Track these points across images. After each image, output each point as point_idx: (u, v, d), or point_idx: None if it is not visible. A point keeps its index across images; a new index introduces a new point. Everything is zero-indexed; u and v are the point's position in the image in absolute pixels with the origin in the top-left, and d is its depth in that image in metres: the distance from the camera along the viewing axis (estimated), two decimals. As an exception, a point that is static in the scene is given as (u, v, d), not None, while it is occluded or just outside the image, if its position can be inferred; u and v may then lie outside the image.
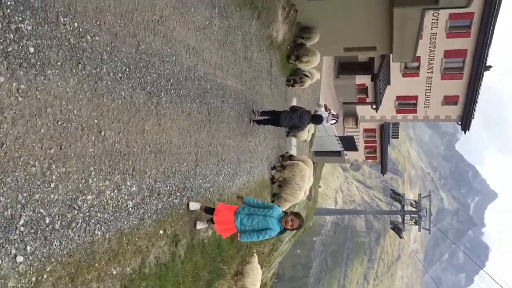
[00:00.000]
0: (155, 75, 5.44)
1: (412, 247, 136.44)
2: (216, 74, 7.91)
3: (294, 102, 16.24)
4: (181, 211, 6.38)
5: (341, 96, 29.29)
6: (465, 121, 29.89)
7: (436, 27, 25.98)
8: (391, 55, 24.46)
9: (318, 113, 17.79)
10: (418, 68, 28.53)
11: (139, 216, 5.11)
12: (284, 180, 13.30)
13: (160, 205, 5.70)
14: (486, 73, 27.54)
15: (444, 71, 28.07)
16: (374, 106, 28.67)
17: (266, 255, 16.61)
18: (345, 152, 32.57)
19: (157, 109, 5.53)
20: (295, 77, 15.82)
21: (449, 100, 29.57)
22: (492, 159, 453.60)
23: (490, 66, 28.12)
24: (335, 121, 17.06)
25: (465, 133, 31.00)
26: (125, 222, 4.80)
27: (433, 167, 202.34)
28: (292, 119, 10.79)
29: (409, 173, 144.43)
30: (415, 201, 41.35)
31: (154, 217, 5.52)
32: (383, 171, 36.17)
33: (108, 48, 4.36)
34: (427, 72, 28.57)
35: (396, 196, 43.08)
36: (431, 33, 26.25)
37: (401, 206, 41.00)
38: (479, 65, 26.61)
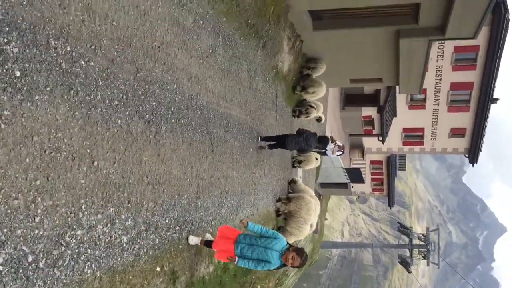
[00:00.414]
0: (154, 103, 5.22)
1: (421, 282, 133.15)
2: (220, 103, 7.71)
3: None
4: (180, 246, 6.04)
5: (347, 128, 29.13)
6: (473, 154, 29.53)
7: (442, 59, 26.02)
8: (397, 87, 24.45)
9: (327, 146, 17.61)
10: (424, 100, 28.44)
11: (134, 252, 4.77)
12: (290, 213, 12.90)
13: (157, 240, 5.36)
14: (492, 106, 27.39)
15: (451, 104, 27.96)
16: (380, 138, 28.45)
17: (271, 291, 16.02)
18: (352, 184, 32.14)
19: (156, 138, 5.28)
20: (300, 108, 15.66)
21: (456, 133, 29.33)
22: (500, 192, 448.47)
23: (497, 99, 27.98)
24: (341, 152, 16.92)
25: (472, 165, 30.58)
26: (119, 259, 4.47)
27: (441, 200, 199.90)
28: (298, 143, 10.86)
29: (416, 206, 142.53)
30: (423, 234, 40.61)
31: (150, 253, 5.18)
32: (390, 203, 35.56)
33: (104, 74, 4.14)
34: (434, 104, 28.46)
35: (404, 230, 42.34)
36: (437, 66, 26.27)
37: (409, 240, 40.28)
38: (486, 98, 26.46)
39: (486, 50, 24.62)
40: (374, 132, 29.66)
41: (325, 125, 21.90)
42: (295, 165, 15.23)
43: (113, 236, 4.36)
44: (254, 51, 9.98)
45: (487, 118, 27.74)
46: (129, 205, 4.64)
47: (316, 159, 16.32)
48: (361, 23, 13.11)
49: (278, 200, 13.13)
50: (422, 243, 39.72)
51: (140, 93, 4.84)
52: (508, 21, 22.96)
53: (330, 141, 17.81)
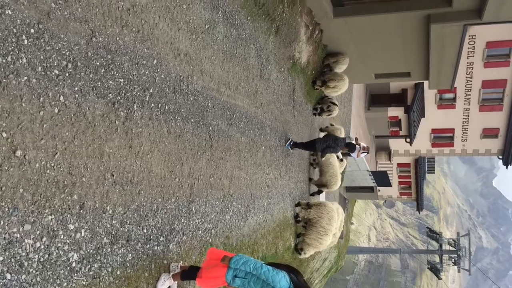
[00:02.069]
0: (122, 80, 4.09)
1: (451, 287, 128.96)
2: (221, 90, 6.55)
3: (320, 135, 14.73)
4: (165, 262, 4.87)
5: (373, 129, 27.71)
6: (507, 155, 27.81)
7: (473, 56, 24.48)
8: (426, 84, 22.91)
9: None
10: (454, 99, 26.95)
11: (91, 273, 3.63)
12: (309, 221, 11.64)
13: (130, 255, 4.22)
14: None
15: (483, 102, 26.44)
16: (408, 140, 26.93)
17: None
18: (378, 188, 30.69)
19: (126, 126, 4.15)
20: (322, 105, 14.44)
21: (488, 133, 27.72)
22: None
23: (532, 96, 26.22)
24: (365, 153, 15.67)
25: (507, 167, 28.80)
26: (64, 283, 3.34)
27: (470, 204, 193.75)
28: (327, 141, 11.16)
29: (445, 210, 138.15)
30: (453, 239, 39.31)
31: (119, 272, 4.04)
32: (419, 208, 33.78)
33: (33, 31, 3.03)
34: (464, 104, 26.93)
35: (433, 235, 40.93)
36: (467, 63, 24.79)
37: (439, 245, 38.85)
38: (521, 96, 24.81)
39: (521, 44, 22.99)
40: (401, 133, 28.23)
41: (350, 126, 20.60)
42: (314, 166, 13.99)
43: (54, 254, 3.23)
44: (265, 35, 8.80)
45: (522, 117, 26.07)
46: (81, 211, 3.51)
47: (341, 160, 15.18)
48: (387, 8, 11.76)
49: (298, 205, 11.90)
50: (452, 248, 38.29)
51: (98, 64, 3.71)
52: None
53: (355, 142, 16.59)
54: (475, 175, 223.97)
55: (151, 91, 4.58)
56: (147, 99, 4.50)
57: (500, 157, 28.48)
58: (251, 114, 8.14)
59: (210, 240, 6.19)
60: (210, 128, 6.21)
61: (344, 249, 28.38)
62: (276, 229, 9.98)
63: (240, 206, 7.52)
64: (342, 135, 13.24)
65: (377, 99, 27.30)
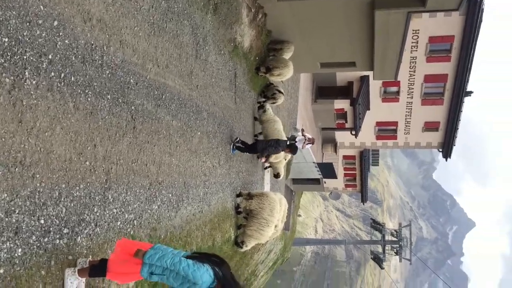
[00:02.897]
0: (7, 40, 3.36)
1: (393, 277, 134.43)
2: (147, 67, 5.90)
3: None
4: (70, 257, 4.22)
5: (320, 121, 27.74)
6: (447, 148, 28.78)
7: (416, 50, 24.95)
8: (371, 78, 23.17)
9: (296, 137, 16.31)
10: (398, 93, 27.45)
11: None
12: (251, 212, 11.22)
13: (20, 250, 3.55)
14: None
15: (425, 96, 27.10)
16: (353, 132, 27.18)
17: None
18: (324, 180, 30.87)
19: (13, 95, 3.46)
20: (267, 92, 14.06)
21: (430, 126, 28.55)
22: (469, 189, 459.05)
23: (471, 92, 27.28)
24: (311, 144, 15.56)
25: (446, 160, 29.80)
26: None
27: (412, 196, 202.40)
28: (268, 142, 11.40)
29: (388, 202, 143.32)
30: (395, 230, 40.57)
31: (2, 271, 3.37)
32: (364, 200, 34.44)
33: None
34: (407, 97, 27.50)
35: (376, 226, 42.06)
36: (411, 57, 25.25)
37: (382, 236, 39.97)
38: (460, 91, 25.63)
39: (460, 41, 23.66)
40: (347, 126, 28.41)
41: (297, 117, 20.41)
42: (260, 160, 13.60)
43: None
44: (201, 12, 8.19)
45: (461, 111, 27.08)
46: None
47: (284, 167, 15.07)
48: (332, -8, 11.51)
49: (239, 195, 11.44)
50: (394, 239, 39.48)
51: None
52: (482, 10, 22.06)
53: (301, 134, 16.38)
54: (416, 168, 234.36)
55: (50, 57, 3.89)
56: (44, 66, 3.81)
57: (440, 150, 29.39)
58: (185, 96, 7.53)
59: (132, 232, 5.57)
60: (133, 108, 5.56)
61: (290, 241, 28.40)
62: (214, 220, 9.46)
63: (170, 195, 6.92)
64: (279, 127, 12.87)
65: (324, 91, 27.30)
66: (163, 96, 6.53)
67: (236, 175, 11.50)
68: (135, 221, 5.63)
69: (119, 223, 5.22)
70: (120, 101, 5.19)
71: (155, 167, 6.30)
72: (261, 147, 11.26)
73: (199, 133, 8.35)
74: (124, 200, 5.34)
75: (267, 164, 14.24)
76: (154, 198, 6.29)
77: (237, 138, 11.08)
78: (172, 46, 6.89)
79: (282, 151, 11.71)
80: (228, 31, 10.15)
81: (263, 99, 13.79)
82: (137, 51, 5.64)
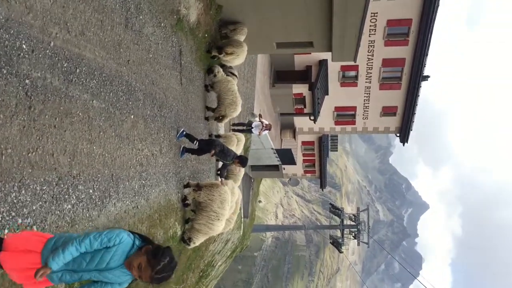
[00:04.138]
0: None
1: (351, 259, 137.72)
2: (50, 31, 4.67)
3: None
4: None
5: (278, 106, 26.89)
6: (404, 133, 28.77)
7: (374, 34, 24.45)
8: (329, 62, 22.38)
9: (252, 123, 15.23)
10: (356, 77, 27.01)
11: None
12: (199, 205, 10.15)
13: None
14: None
15: (383, 81, 26.80)
16: (312, 117, 26.51)
17: (195, 284, 13.49)
18: (283, 166, 30.20)
19: None
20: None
21: (387, 111, 28.41)
22: (423, 173, 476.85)
23: (427, 76, 27.21)
24: (267, 130, 14.57)
25: (403, 145, 29.84)
26: None
27: (369, 180, 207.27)
28: (215, 141, 10.49)
29: (347, 187, 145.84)
30: (353, 215, 40.99)
31: None
32: (323, 185, 34.13)
33: None
34: (366, 82, 27.12)
35: (335, 210, 42.33)
36: (369, 41, 24.73)
37: (341, 221, 40.28)
38: (417, 75, 25.45)
39: (418, 25, 23.32)
40: (306, 111, 27.74)
41: (254, 102, 19.36)
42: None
43: None
44: (132, -26, 6.95)
45: (418, 96, 27.05)
46: None
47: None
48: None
49: (186, 186, 10.32)
50: (352, 223, 39.87)
51: None
52: (440, -7, 21.77)
53: (258, 119, 15.36)
54: (373, 153, 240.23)
55: None
56: None
57: (398, 134, 29.35)
58: (111, 72, 6.30)
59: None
60: (28, 82, 4.33)
61: (249, 228, 27.63)
62: (154, 216, 8.32)
63: (91, 191, 5.74)
64: (234, 88, 11.78)
65: (282, 75, 26.46)
66: (78, 70, 5.30)
67: (184, 163, 10.38)
68: (34, 226, 4.45)
69: (6, 231, 4.03)
70: (5, 71, 3.97)
71: (67, 157, 5.10)
72: (206, 143, 10.26)
73: (132, 116, 7.15)
74: (15, 201, 4.15)
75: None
76: (66, 196, 5.10)
77: (183, 130, 9.89)
78: (91, 9, 5.65)
79: (232, 162, 10.52)
80: (170, 0, 8.91)
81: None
82: (34, 9, 4.40)
